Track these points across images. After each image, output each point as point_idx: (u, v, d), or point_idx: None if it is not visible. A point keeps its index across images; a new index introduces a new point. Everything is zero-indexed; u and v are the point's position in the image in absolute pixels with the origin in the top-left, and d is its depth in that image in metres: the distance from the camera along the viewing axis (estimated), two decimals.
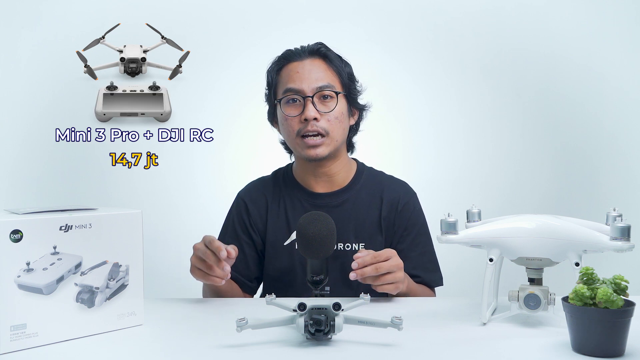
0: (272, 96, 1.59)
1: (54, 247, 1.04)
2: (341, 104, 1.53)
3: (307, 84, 1.50)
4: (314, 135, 1.50)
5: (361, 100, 1.62)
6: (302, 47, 1.57)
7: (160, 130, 2.59)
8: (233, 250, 1.32)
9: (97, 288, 1.09)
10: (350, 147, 1.66)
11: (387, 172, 1.68)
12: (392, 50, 2.54)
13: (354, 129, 1.64)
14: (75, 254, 1.06)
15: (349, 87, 1.56)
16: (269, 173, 1.71)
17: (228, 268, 1.31)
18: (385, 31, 2.59)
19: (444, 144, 2.65)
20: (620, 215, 1.19)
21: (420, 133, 2.59)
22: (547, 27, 2.62)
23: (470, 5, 2.61)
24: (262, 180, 1.68)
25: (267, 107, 1.64)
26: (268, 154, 1.83)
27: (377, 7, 2.59)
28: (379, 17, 2.59)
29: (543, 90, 2.65)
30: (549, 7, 2.62)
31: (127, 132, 2.57)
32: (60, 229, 1.04)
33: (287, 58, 1.56)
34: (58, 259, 1.04)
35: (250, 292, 1.63)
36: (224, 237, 1.64)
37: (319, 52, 1.54)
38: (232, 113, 2.59)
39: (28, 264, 1.01)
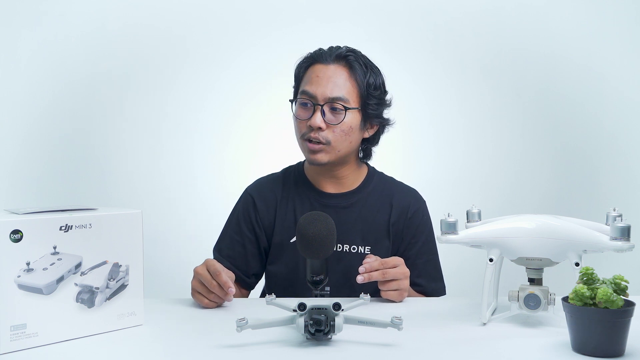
0: (294, 92, 1.59)
1: (54, 247, 1.04)
2: (351, 118, 1.50)
3: (322, 91, 1.48)
4: (316, 142, 1.50)
5: (385, 114, 1.59)
6: (334, 48, 1.54)
7: (160, 130, 2.59)
8: (230, 280, 1.31)
9: (97, 288, 1.09)
10: (366, 156, 1.64)
11: (388, 172, 1.68)
12: (392, 50, 2.54)
13: (370, 141, 1.61)
14: (75, 254, 1.06)
15: (368, 101, 1.52)
16: (276, 170, 1.70)
17: (231, 297, 1.32)
18: (385, 31, 2.59)
19: (444, 144, 2.65)
20: (620, 215, 1.19)
21: (420, 133, 2.60)
22: (547, 27, 2.62)
23: (470, 5, 2.61)
24: (271, 178, 1.67)
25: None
26: (268, 154, 1.84)
27: (377, 7, 2.59)
28: (379, 17, 2.60)
29: (543, 90, 2.65)
30: (549, 7, 2.62)
31: (127, 132, 2.57)
32: (60, 229, 1.04)
33: (315, 58, 1.54)
34: (58, 259, 1.04)
35: (247, 288, 1.64)
36: (227, 230, 1.64)
37: (346, 59, 1.51)
38: (232, 113, 2.59)
39: (28, 264, 1.01)
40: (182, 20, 2.55)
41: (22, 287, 1.00)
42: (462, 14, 2.61)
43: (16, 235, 0.99)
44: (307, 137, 1.50)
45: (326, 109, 1.49)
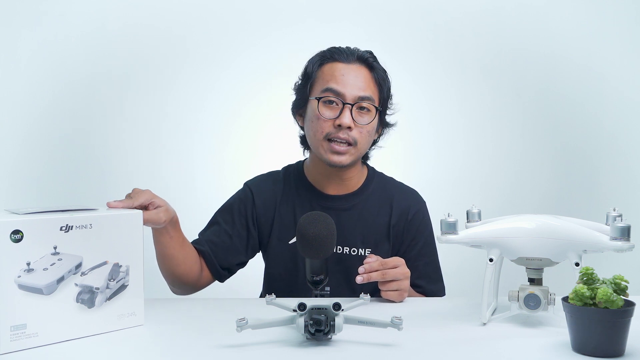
0: (307, 90, 1.53)
1: (55, 248, 1.04)
2: (375, 119, 1.50)
3: (350, 90, 1.46)
4: (343, 143, 1.47)
5: (388, 118, 1.59)
6: (350, 48, 1.52)
7: (160, 130, 2.59)
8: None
9: (98, 288, 1.09)
10: (366, 157, 1.63)
11: (387, 173, 1.68)
12: (392, 50, 2.53)
13: (374, 143, 1.61)
14: (76, 254, 1.06)
15: (385, 103, 1.53)
16: (277, 168, 1.68)
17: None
18: (385, 31, 2.59)
19: (444, 144, 2.65)
20: (620, 215, 1.19)
21: (420, 133, 2.60)
22: (547, 27, 2.62)
23: (470, 5, 2.61)
24: (273, 176, 1.64)
25: (293, 97, 1.59)
26: (268, 154, 1.83)
27: (377, 7, 2.59)
28: (379, 17, 2.60)
29: (543, 90, 2.65)
30: (549, 7, 2.62)
31: (127, 132, 2.57)
32: (61, 229, 1.04)
33: (334, 56, 1.50)
34: (58, 259, 1.04)
35: (217, 277, 1.57)
36: (217, 218, 1.60)
37: (367, 61, 1.50)
38: (232, 113, 2.59)
39: (28, 264, 1.01)
40: (182, 20, 2.55)
41: (22, 287, 1.00)
42: (462, 14, 2.61)
43: (16, 236, 0.99)
44: (332, 136, 1.46)
45: (355, 108, 1.46)
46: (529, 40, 2.62)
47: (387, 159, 1.72)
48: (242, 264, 1.61)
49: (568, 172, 2.65)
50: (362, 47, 1.57)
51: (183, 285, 1.50)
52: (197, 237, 1.58)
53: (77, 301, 1.07)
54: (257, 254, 1.65)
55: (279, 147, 1.75)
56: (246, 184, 1.65)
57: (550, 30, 2.62)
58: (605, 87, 2.63)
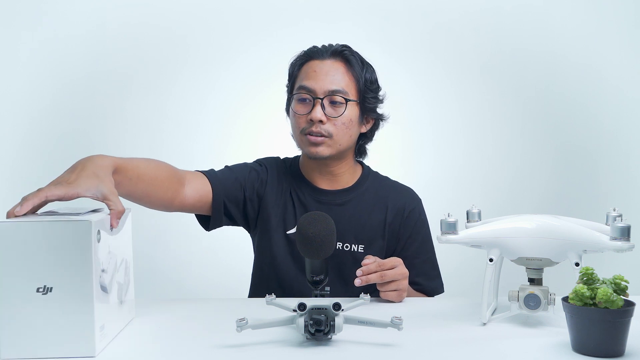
0: (289, 89, 1.59)
1: None
2: (351, 111, 1.51)
3: (321, 85, 1.49)
4: (318, 135, 1.50)
5: (379, 109, 1.60)
6: (327, 45, 1.55)
7: (160, 130, 2.59)
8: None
9: None
10: (361, 153, 1.65)
11: (387, 172, 1.68)
12: (392, 51, 2.54)
13: (367, 137, 1.62)
14: None
15: (365, 95, 1.54)
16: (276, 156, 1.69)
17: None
18: (385, 31, 2.59)
19: (444, 144, 2.65)
20: (620, 215, 1.19)
21: (420, 133, 2.60)
22: (547, 27, 2.62)
23: (470, 5, 2.61)
24: (281, 164, 1.65)
25: (286, 98, 1.62)
26: (268, 154, 1.83)
27: (377, 8, 2.59)
28: (379, 17, 2.60)
29: (543, 90, 2.65)
30: (548, 7, 2.62)
31: (127, 132, 2.57)
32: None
33: (310, 55, 1.55)
34: None
35: (208, 223, 1.56)
36: (232, 170, 1.60)
37: (342, 54, 1.53)
38: (232, 113, 2.59)
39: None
40: (183, 20, 2.56)
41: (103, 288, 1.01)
42: (462, 14, 2.61)
43: (99, 236, 1.00)
44: (307, 131, 1.50)
45: (326, 102, 1.49)
46: (529, 40, 2.62)
47: (386, 159, 1.73)
48: (233, 220, 1.59)
49: (568, 172, 2.65)
50: (362, 47, 1.57)
51: (157, 201, 1.41)
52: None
53: None
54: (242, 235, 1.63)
55: (279, 147, 1.75)
56: (258, 161, 1.65)
57: (550, 30, 2.62)
58: (605, 86, 2.63)
